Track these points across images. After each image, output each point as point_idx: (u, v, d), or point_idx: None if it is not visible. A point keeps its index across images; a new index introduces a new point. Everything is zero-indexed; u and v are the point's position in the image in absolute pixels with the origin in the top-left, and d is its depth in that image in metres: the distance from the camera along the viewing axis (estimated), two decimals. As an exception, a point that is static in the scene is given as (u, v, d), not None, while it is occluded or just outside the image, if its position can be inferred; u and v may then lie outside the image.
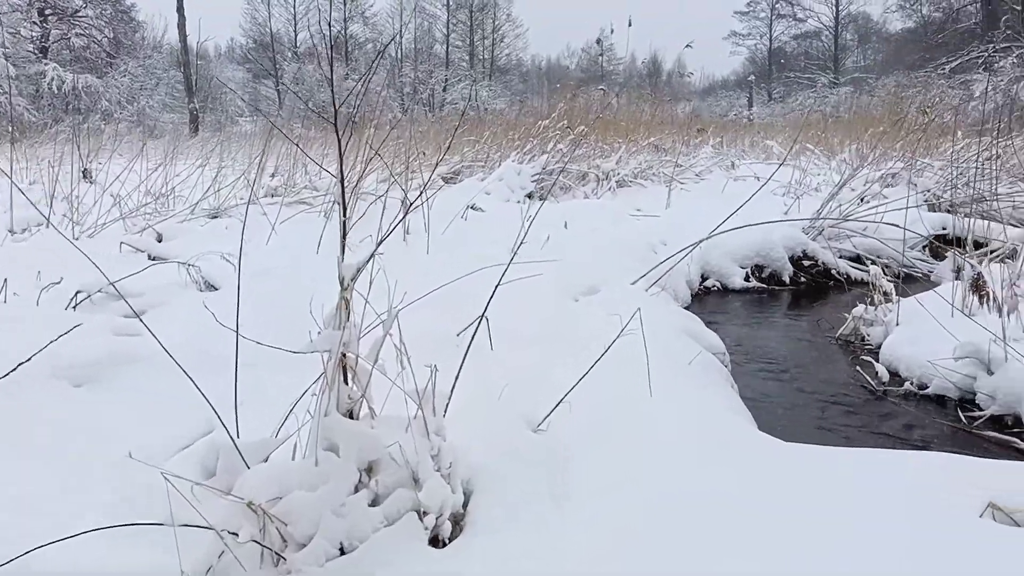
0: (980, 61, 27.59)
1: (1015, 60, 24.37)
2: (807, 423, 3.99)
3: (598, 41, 51.89)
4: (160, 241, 5.83)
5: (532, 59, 56.30)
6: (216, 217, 7.06)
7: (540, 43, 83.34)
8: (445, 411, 2.21)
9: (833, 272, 7.33)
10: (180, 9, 25.62)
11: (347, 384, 2.16)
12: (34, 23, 26.42)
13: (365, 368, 2.13)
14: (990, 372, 4.09)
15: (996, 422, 3.90)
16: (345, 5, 43.56)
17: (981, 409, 4.02)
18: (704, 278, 7.00)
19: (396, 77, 40.56)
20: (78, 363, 3.00)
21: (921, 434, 3.90)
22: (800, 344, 5.53)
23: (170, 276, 4.26)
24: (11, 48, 25.51)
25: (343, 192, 2.21)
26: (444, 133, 13.55)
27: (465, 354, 2.50)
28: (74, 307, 3.74)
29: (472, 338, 2.62)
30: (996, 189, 8.60)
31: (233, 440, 2.18)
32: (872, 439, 3.80)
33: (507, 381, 2.99)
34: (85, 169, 10.31)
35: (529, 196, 9.00)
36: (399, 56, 44.50)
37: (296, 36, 44.63)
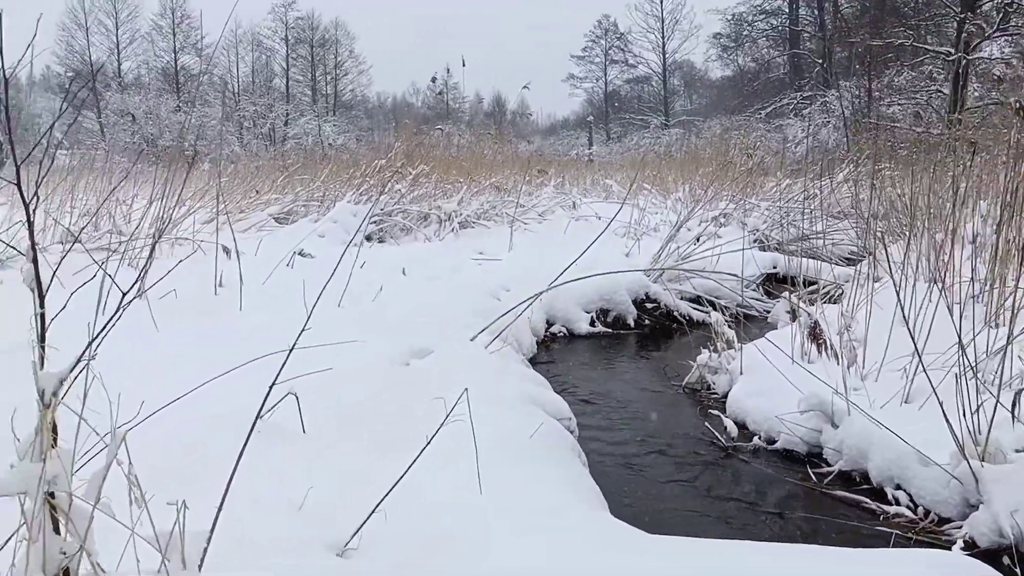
0: (791, 107, 29.79)
1: (819, 107, 26.49)
2: (659, 489, 3.71)
3: (433, 79, 52.22)
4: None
5: (377, 96, 55.70)
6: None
7: (385, 80, 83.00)
8: (202, 560, 1.66)
9: (675, 314, 7.27)
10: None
11: (59, 534, 1.58)
12: None
13: (84, 511, 1.57)
14: (835, 425, 3.98)
15: (844, 478, 3.77)
16: (174, 36, 41.43)
17: (829, 464, 3.89)
18: (550, 324, 6.73)
19: (234, 110, 38.84)
20: None
21: (774, 495, 3.71)
22: (648, 394, 5.31)
23: None
24: None
25: (36, 272, 1.65)
26: (282, 169, 12.79)
27: (240, 455, 1.96)
28: None
29: (252, 428, 2.09)
30: (815, 227, 8.96)
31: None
32: (729, 506, 3.55)
33: (313, 482, 2.47)
34: None
35: (368, 238, 8.47)
36: (236, 89, 42.67)
37: (120, 66, 41.83)
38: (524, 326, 5.68)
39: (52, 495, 1.56)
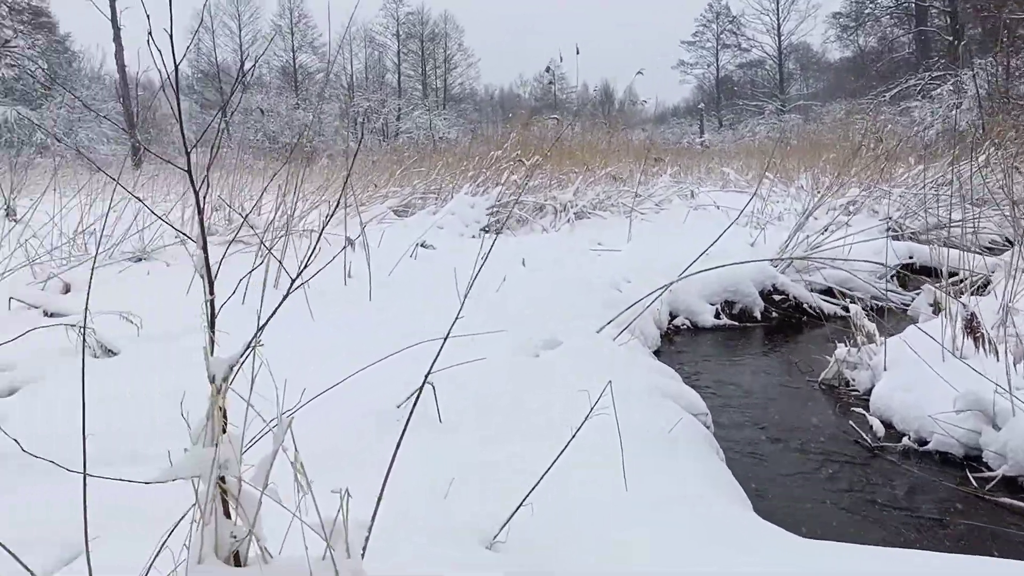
0: (917, 89, 28.10)
1: (951, 88, 24.82)
2: (801, 490, 3.52)
3: (547, 69, 52.03)
4: (68, 292, 5.17)
5: (485, 88, 56.20)
6: (140, 260, 6.41)
7: (493, 73, 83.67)
8: (364, 549, 1.65)
9: (804, 306, 6.95)
10: (117, 39, 24.77)
11: (229, 518, 1.60)
12: (-41, 54, 25.42)
13: (252, 496, 1.58)
14: (996, 427, 3.67)
15: (1009, 485, 3.47)
16: (292, 36, 43.01)
17: (990, 469, 3.59)
18: (673, 316, 6.55)
19: (348, 107, 40.02)
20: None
21: (930, 500, 3.46)
22: (781, 390, 5.08)
23: (60, 340, 3.63)
24: (-67, 80, 24.42)
25: (206, 258, 1.67)
26: (397, 163, 13.04)
27: (397, 446, 1.95)
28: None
29: (408, 419, 2.07)
30: (953, 215, 8.37)
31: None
32: (876, 509, 3.33)
33: (455, 473, 2.45)
34: (8, 207, 9.56)
35: (484, 230, 8.50)
36: (351, 86, 43.97)
37: (243, 66, 43.74)
38: (648, 318, 5.54)
39: (223, 479, 1.58)
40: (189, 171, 1.62)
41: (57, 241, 6.59)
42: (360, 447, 2.49)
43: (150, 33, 1.54)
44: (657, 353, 5.56)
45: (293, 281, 1.66)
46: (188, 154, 1.61)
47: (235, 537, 1.59)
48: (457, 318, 2.04)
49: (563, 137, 13.94)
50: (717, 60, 53.82)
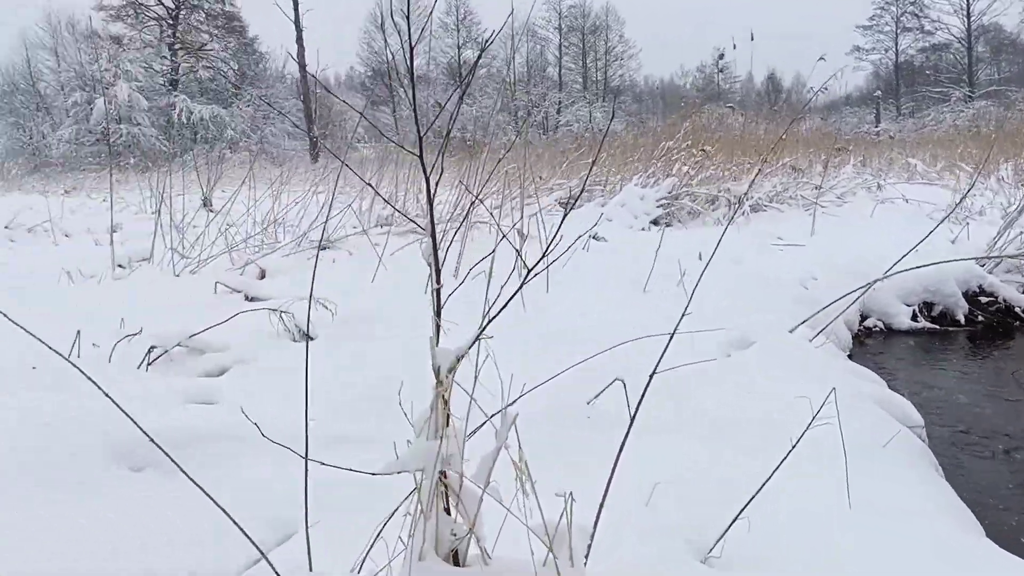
0: None
1: None
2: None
3: (721, 56, 50.28)
4: (263, 277, 5.47)
5: (645, 80, 55.28)
6: (325, 249, 6.70)
7: (653, 63, 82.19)
8: (587, 557, 1.55)
9: (1017, 310, 6.26)
10: (299, 40, 26.32)
11: (449, 515, 1.55)
12: (164, 58, 27.79)
13: (473, 493, 1.52)
14: None
15: None
16: (458, 32, 44.07)
17: None
18: (864, 317, 6.09)
19: (510, 100, 40.57)
20: (141, 441, 2.53)
21: None
22: (995, 402, 4.57)
23: (261, 323, 3.81)
24: (145, 82, 26.87)
25: (435, 248, 1.61)
26: (559, 156, 13.00)
27: (621, 448, 1.85)
28: (148, 364, 3.32)
29: (632, 421, 1.96)
30: None
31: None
32: None
33: (655, 476, 2.31)
34: (205, 197, 10.33)
35: (654, 223, 8.28)
36: (512, 80, 44.56)
37: (412, 63, 45.25)
38: (838, 318, 5.15)
39: (444, 474, 1.53)
40: (421, 158, 1.57)
41: (251, 230, 7.02)
42: (550, 446, 2.41)
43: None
44: (848, 356, 5.16)
45: (529, 271, 1.58)
46: (421, 140, 1.56)
47: (455, 535, 1.54)
48: (684, 315, 1.90)
49: (734, 127, 13.39)
50: (896, 45, 50.17)
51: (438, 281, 1.56)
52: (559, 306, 4.56)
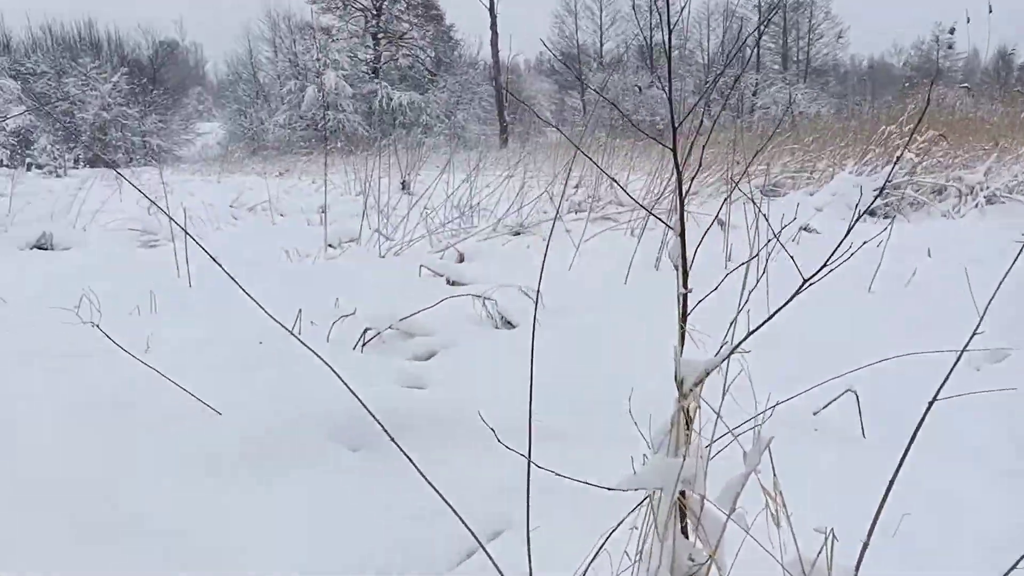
0: None
1: None
2: None
3: (951, 31, 45.72)
4: (461, 261, 5.55)
5: (852, 59, 51.58)
6: (519, 234, 6.71)
7: (862, 42, 76.35)
8: (854, 607, 1.35)
9: None
10: (493, 26, 26.84)
11: (687, 538, 1.40)
12: (367, 47, 29.29)
13: (716, 517, 1.36)
14: None
15: None
16: (651, 14, 43.14)
17: None
18: None
19: (703, 83, 39.27)
20: (359, 422, 2.57)
21: None
22: None
23: (465, 308, 3.83)
24: (350, 70, 28.49)
25: (683, 247, 1.45)
26: (757, 140, 12.33)
27: (889, 486, 1.61)
28: (362, 345, 3.41)
29: (909, 443, 1.72)
30: None
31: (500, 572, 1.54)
32: None
33: (902, 504, 2.03)
34: (403, 181, 10.73)
35: (871, 213, 7.61)
36: (706, 61, 43.11)
37: (602, 47, 45.09)
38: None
39: (683, 494, 1.38)
40: (674, 148, 1.41)
41: (448, 214, 7.16)
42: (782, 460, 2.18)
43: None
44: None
45: (809, 279, 1.39)
46: (675, 130, 1.41)
47: (693, 560, 1.39)
48: (976, 332, 1.62)
49: (961, 109, 12.12)
50: None
51: (685, 285, 1.40)
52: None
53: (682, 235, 1.40)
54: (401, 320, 3.45)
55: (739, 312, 1.52)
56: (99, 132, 28.65)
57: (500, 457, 2.53)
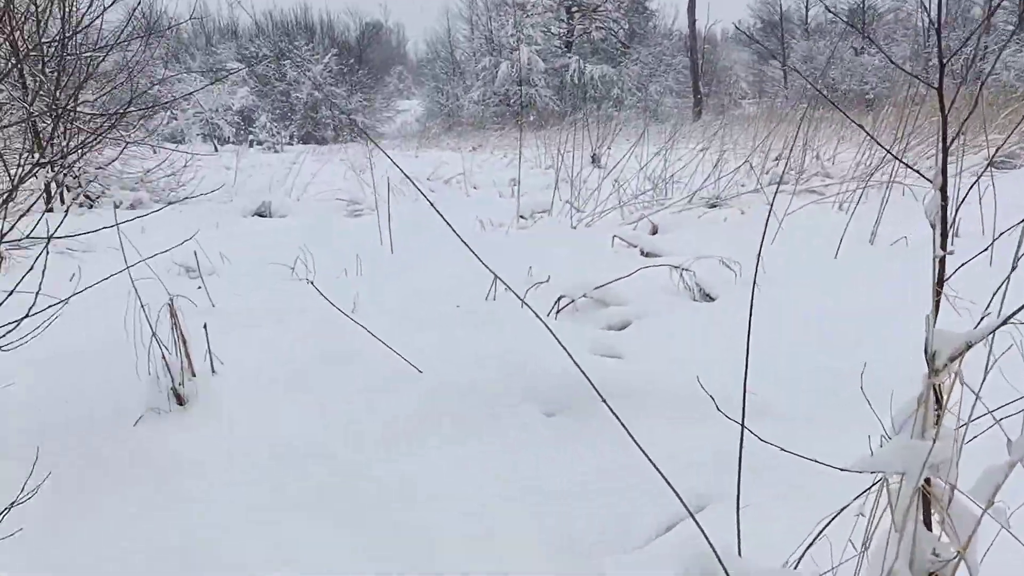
0: None
1: None
2: None
3: None
4: (654, 233, 5.41)
5: (1105, 14, 44.97)
6: (715, 207, 6.45)
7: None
8: None
9: None
10: (691, -6, 25.96)
11: (930, 530, 1.25)
12: (561, 20, 29.30)
13: (967, 510, 1.20)
14: None
15: None
16: (864, -27, 39.88)
17: None
18: None
19: (923, 48, 35.97)
20: (554, 388, 2.56)
21: None
22: None
23: (662, 279, 3.71)
24: (543, 44, 28.67)
25: (943, 206, 1.27)
26: (987, 109, 11.07)
27: None
28: (556, 313, 3.40)
29: None
30: None
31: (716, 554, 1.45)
32: None
33: None
34: (594, 154, 10.67)
35: None
36: (926, 24, 39.32)
37: (807, 12, 42.33)
38: None
39: (927, 482, 1.23)
40: (940, 88, 1.24)
41: (640, 186, 7.02)
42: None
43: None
44: None
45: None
46: (943, 67, 1.24)
47: (937, 555, 1.23)
48: None
49: None
50: None
51: (944, 246, 1.23)
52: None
53: (943, 190, 1.23)
54: (595, 289, 3.40)
55: (1008, 277, 1.33)
56: (311, 111, 30.86)
57: (696, 429, 2.43)
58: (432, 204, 1.79)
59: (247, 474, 2.28)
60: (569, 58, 28.81)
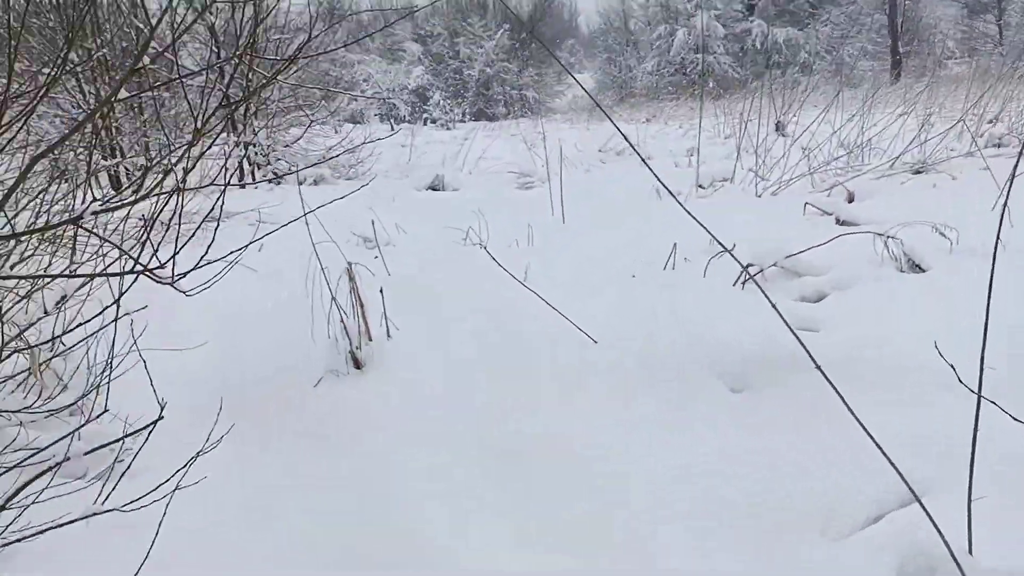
0: None
1: None
2: None
3: None
4: (851, 201, 4.93)
5: None
6: (920, 172, 5.82)
7: None
8: None
9: None
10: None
11: None
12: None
13: None
14: None
15: None
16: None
17: None
18: None
19: None
20: (743, 361, 2.34)
21: None
22: None
23: (862, 248, 3.33)
24: (722, 9, 27.39)
25: None
26: None
27: None
28: (742, 283, 3.12)
29: None
30: None
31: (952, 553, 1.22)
32: None
33: None
34: (778, 122, 10.05)
35: None
36: None
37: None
38: None
39: None
40: None
41: (832, 153, 6.47)
42: None
43: None
44: None
45: None
46: None
47: None
48: None
49: None
50: None
51: None
52: None
53: None
54: (787, 258, 3.10)
55: None
56: (482, 87, 31.30)
57: (910, 409, 2.13)
58: (633, 146, 1.64)
59: (426, 438, 2.24)
60: (751, 22, 27.29)
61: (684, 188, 5.94)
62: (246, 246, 1.64)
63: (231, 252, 1.53)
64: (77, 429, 1.70)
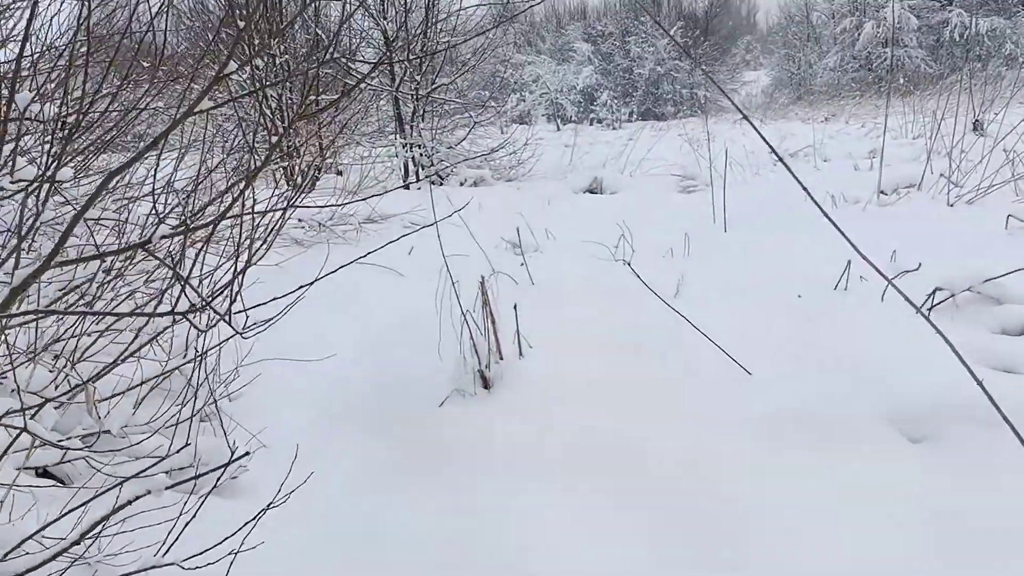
0: None
1: None
2: None
3: None
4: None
5: None
6: None
7: None
8: None
9: None
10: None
11: None
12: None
13: None
14: None
15: None
16: None
17: None
18: None
19: None
20: (921, 408, 2.00)
21: None
22: None
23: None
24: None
25: None
26: None
27: None
28: (929, 309, 2.71)
29: None
30: None
31: None
32: None
33: None
34: (977, 120, 9.07)
35: None
36: None
37: None
38: None
39: None
40: None
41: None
42: None
43: None
44: None
45: None
46: None
47: None
48: None
49: None
50: None
51: None
52: None
53: None
54: (985, 281, 2.67)
55: None
56: (652, 86, 30.69)
57: None
58: (788, 168, 1.40)
59: (551, 466, 2.08)
60: (950, 12, 24.97)
61: (864, 194, 5.41)
62: (311, 283, 1.54)
63: (300, 287, 1.44)
64: (164, 458, 1.67)
